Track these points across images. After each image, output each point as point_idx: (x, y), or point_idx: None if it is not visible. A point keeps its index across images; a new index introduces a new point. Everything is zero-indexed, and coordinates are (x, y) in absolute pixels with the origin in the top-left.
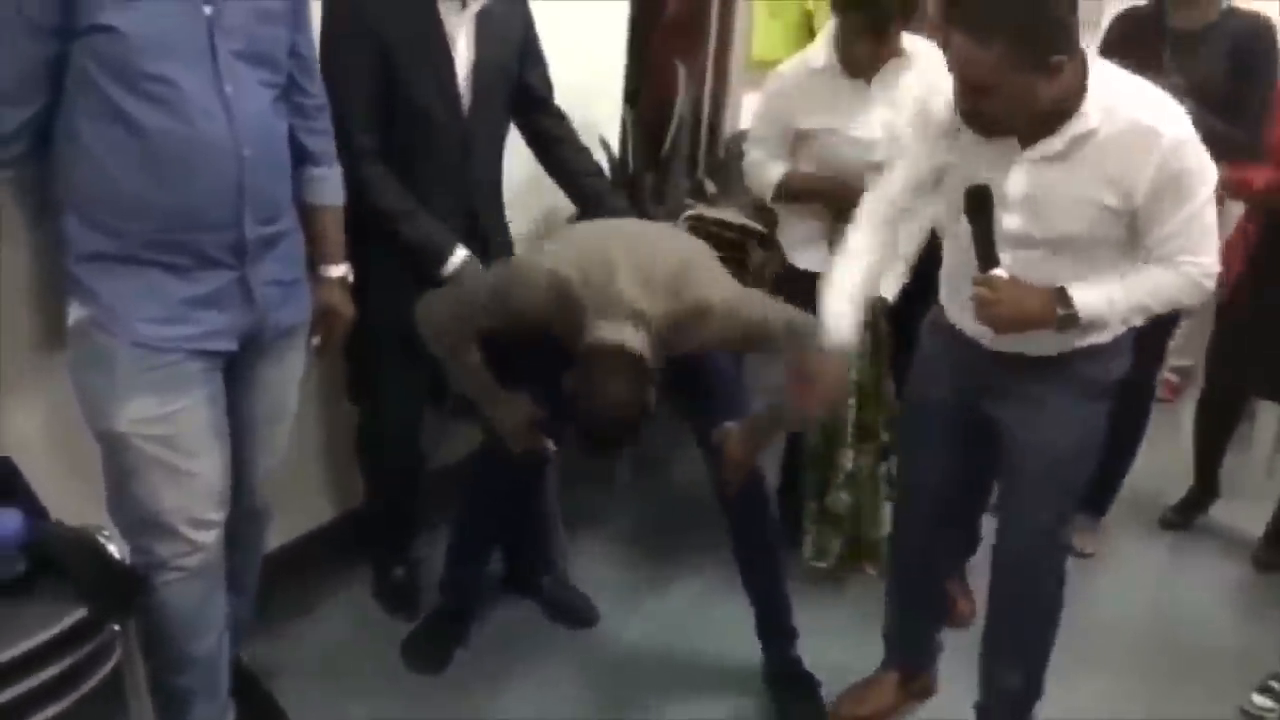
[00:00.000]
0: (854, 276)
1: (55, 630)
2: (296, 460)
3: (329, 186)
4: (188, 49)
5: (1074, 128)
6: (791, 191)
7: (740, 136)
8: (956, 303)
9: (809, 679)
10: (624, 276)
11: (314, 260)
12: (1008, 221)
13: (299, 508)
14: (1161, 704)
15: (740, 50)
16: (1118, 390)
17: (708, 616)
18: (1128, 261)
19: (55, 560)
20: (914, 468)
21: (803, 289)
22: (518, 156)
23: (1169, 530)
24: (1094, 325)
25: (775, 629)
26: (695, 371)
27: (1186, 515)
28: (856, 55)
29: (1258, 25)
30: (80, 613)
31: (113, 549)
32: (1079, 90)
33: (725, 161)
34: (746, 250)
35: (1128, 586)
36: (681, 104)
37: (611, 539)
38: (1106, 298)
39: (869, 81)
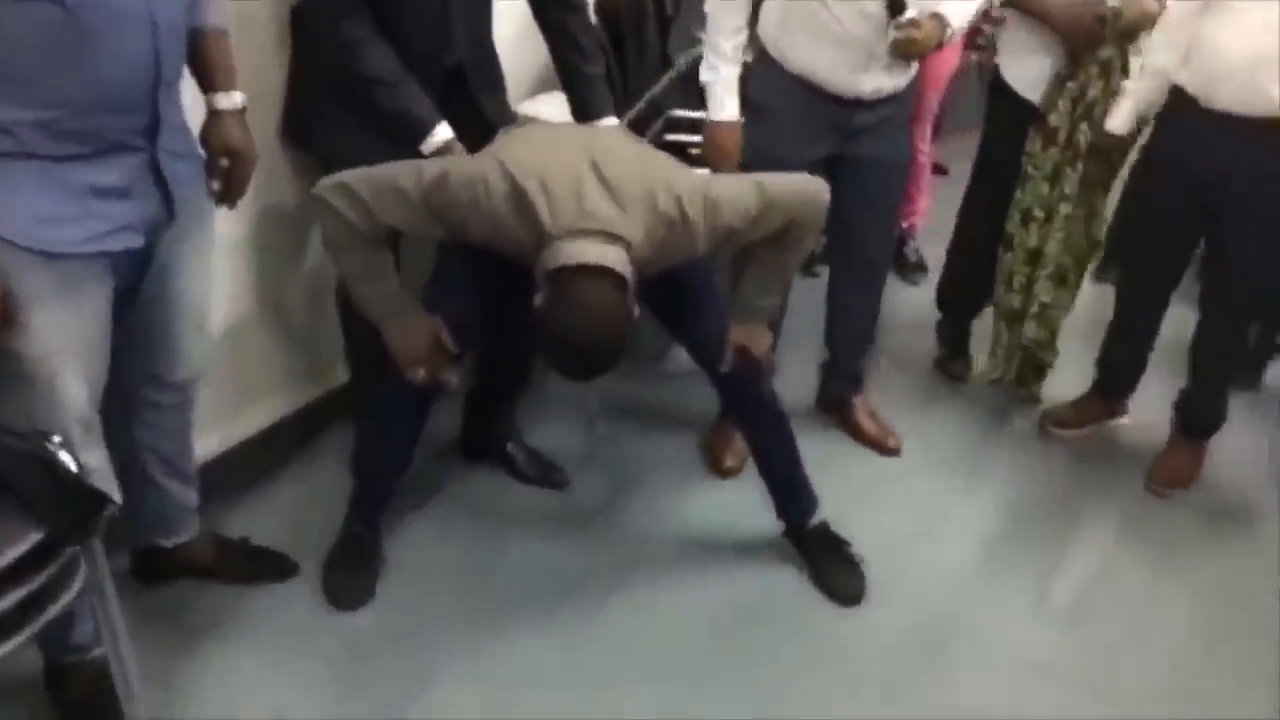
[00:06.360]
0: (735, 53)
1: (9, 558)
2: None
3: (215, 6)
4: None
5: None
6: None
7: None
8: (843, 64)
9: (842, 543)
10: (593, 193)
11: (203, 89)
12: None
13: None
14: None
15: None
16: None
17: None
18: None
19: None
20: None
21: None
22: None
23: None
24: (951, 37)
25: (795, 499)
26: (669, 279)
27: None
28: None
29: None
30: (36, 536)
31: (65, 459)
32: None
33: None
34: None
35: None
36: None
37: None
38: (955, 17)
39: None
